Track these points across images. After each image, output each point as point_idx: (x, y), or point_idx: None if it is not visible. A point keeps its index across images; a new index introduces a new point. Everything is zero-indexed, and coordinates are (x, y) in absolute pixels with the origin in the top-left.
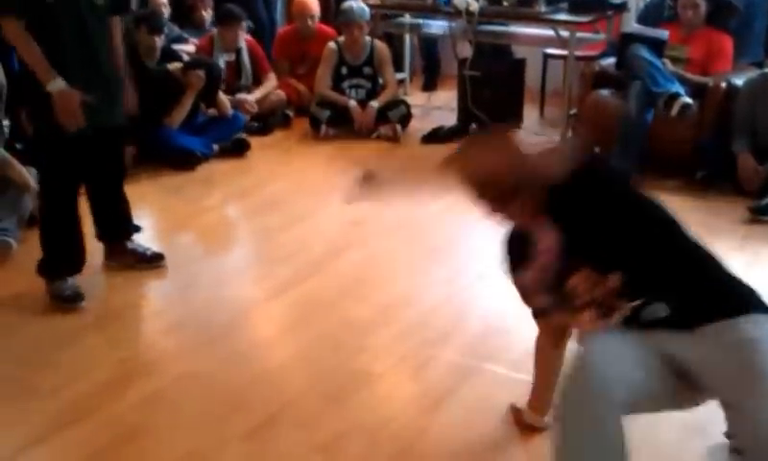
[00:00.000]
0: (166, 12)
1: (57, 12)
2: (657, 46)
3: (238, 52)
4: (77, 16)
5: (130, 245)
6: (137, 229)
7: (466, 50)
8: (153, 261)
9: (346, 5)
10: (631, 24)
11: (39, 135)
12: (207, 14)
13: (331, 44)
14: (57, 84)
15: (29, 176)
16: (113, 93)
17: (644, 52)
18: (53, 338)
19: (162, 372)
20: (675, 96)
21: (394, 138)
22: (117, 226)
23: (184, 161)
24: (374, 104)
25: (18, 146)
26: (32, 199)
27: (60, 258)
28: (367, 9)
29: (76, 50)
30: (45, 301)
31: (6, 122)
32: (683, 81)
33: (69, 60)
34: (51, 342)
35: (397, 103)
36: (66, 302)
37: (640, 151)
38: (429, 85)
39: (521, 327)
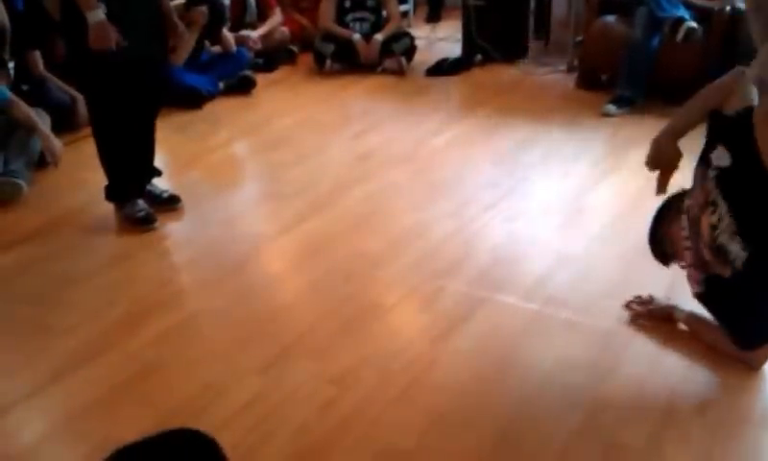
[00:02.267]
0: None
1: None
2: None
3: None
4: None
5: (148, 187)
6: (158, 172)
7: None
8: (169, 204)
9: None
10: None
11: (80, 62)
12: None
13: None
14: (96, 16)
15: (36, 117)
16: (154, 28)
17: None
18: (67, 277)
19: (177, 308)
20: (680, 21)
21: (398, 71)
22: (142, 166)
23: (190, 100)
24: (379, 37)
25: (25, 87)
26: (40, 140)
27: (126, 181)
28: None
29: None
30: (59, 240)
31: (11, 64)
32: (688, 5)
33: None
34: (65, 281)
35: (401, 35)
36: (141, 223)
37: (647, 76)
38: (433, 17)
39: (529, 257)
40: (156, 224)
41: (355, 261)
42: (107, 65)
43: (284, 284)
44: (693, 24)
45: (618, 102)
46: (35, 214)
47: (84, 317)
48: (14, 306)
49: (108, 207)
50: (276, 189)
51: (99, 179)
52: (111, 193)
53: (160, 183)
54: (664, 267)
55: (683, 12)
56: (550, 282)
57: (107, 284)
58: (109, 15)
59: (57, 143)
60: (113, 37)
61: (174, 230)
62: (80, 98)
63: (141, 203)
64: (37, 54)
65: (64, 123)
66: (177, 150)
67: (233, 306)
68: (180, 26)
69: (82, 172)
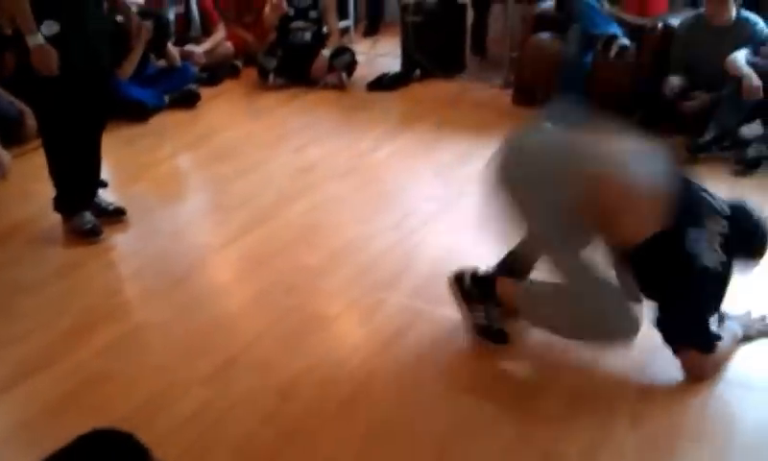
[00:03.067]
0: None
1: None
2: None
3: (187, 3)
4: None
5: (94, 199)
6: (104, 184)
7: None
8: (115, 215)
9: None
10: None
11: (29, 77)
12: None
13: None
14: (36, 39)
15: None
16: (103, 41)
17: None
18: (16, 287)
19: (124, 319)
20: (612, 38)
21: (340, 86)
22: (89, 178)
23: (136, 113)
24: (326, 52)
25: None
26: None
27: (74, 193)
28: None
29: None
30: (7, 250)
31: None
32: (620, 22)
33: (59, 7)
34: (14, 290)
35: (343, 50)
36: (87, 235)
37: (580, 92)
38: (371, 31)
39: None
40: (102, 236)
41: (298, 273)
42: (53, 80)
43: (229, 296)
44: (625, 41)
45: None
46: None
47: (33, 327)
48: None
49: (56, 219)
50: (220, 201)
51: (47, 190)
52: (59, 205)
53: (107, 196)
54: None
55: (615, 29)
56: None
57: (55, 295)
58: (61, 29)
59: (5, 155)
60: (54, 62)
61: (120, 241)
62: (28, 111)
63: (88, 215)
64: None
65: (13, 135)
66: (123, 162)
67: (179, 317)
68: (142, 24)
69: (30, 184)
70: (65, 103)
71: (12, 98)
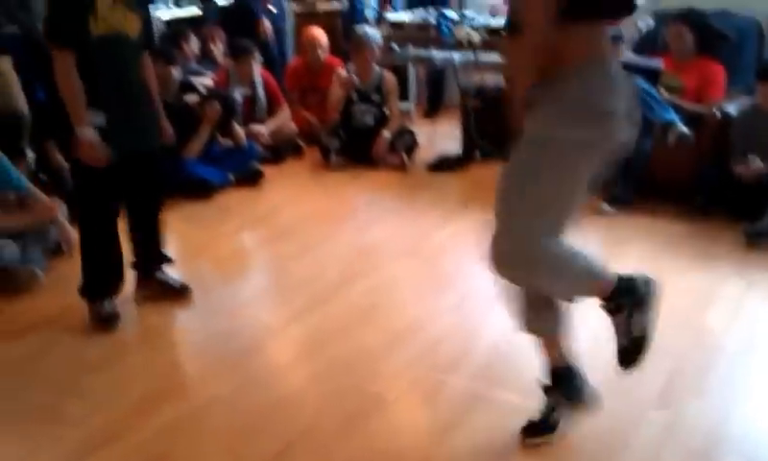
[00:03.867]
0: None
1: (98, 46)
2: (652, 75)
3: (253, 84)
4: (115, 51)
5: (160, 275)
6: (169, 259)
7: (468, 80)
8: (180, 293)
9: (358, 29)
10: (626, 54)
11: (73, 163)
12: (218, 49)
13: (341, 70)
14: (85, 132)
15: (55, 206)
16: (147, 121)
17: (640, 81)
18: (82, 364)
19: (185, 398)
20: (671, 124)
21: (401, 167)
22: (152, 254)
23: (201, 191)
24: (387, 134)
25: (43, 177)
26: (57, 229)
27: (99, 280)
28: (378, 34)
29: (113, 81)
30: (75, 326)
31: (30, 154)
32: (678, 109)
33: (106, 90)
34: (80, 367)
35: (404, 132)
36: (104, 322)
37: (640, 177)
38: (432, 113)
39: (529, 353)
40: (119, 325)
41: (358, 354)
42: (93, 168)
43: (288, 376)
44: (683, 128)
45: (612, 201)
46: (51, 301)
47: (97, 405)
48: (31, 393)
49: (122, 295)
50: (281, 280)
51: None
52: (85, 289)
53: (172, 272)
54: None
55: (673, 116)
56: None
57: (119, 373)
58: (108, 119)
59: (72, 232)
60: (102, 155)
61: (182, 319)
62: None
63: (108, 303)
64: (54, 144)
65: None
66: (187, 239)
67: (238, 398)
68: (169, 130)
69: None
70: (101, 189)
71: None
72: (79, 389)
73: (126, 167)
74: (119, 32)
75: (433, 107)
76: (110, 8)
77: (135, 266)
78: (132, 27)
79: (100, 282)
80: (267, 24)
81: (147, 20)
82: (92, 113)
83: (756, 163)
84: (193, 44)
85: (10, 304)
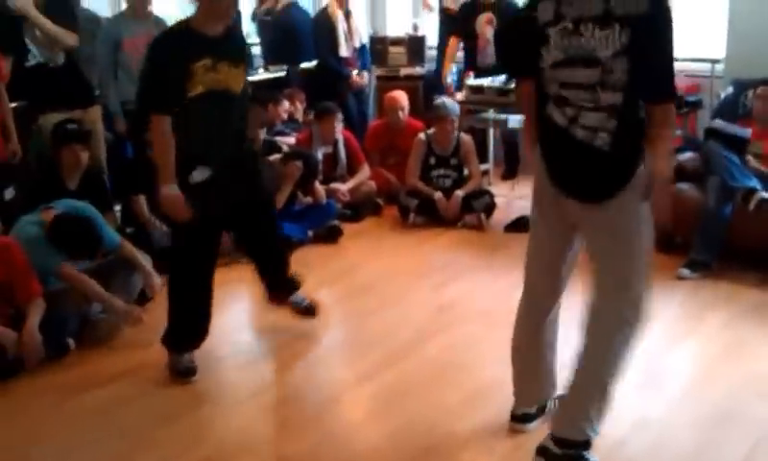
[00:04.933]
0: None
1: (199, 104)
2: (739, 143)
3: (335, 144)
4: (218, 107)
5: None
6: (297, 286)
7: None
8: (309, 311)
9: (439, 101)
10: (715, 120)
11: (167, 217)
12: (298, 109)
13: (421, 136)
14: (169, 190)
15: (140, 257)
16: (251, 172)
17: (721, 148)
18: (157, 416)
19: (258, 454)
20: (752, 191)
21: (478, 227)
22: (281, 288)
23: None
24: (460, 193)
25: (129, 230)
26: (142, 277)
27: (184, 334)
28: (457, 105)
29: (216, 136)
30: (154, 378)
31: (117, 207)
32: (759, 176)
33: (209, 145)
34: (155, 420)
35: (482, 193)
36: (181, 375)
37: (720, 243)
38: (509, 174)
39: (608, 419)
40: (196, 377)
41: (435, 413)
42: (186, 226)
43: (364, 433)
44: (765, 194)
45: (693, 266)
46: (132, 352)
47: (167, 457)
48: (107, 440)
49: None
50: (358, 336)
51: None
52: (167, 340)
53: (241, 323)
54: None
55: (754, 183)
56: (627, 448)
57: (193, 425)
58: (214, 172)
59: (157, 279)
60: (184, 210)
61: (260, 372)
62: None
63: (187, 356)
64: (142, 198)
65: (163, 266)
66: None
67: (313, 456)
68: (293, 165)
69: None
70: (197, 243)
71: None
72: (151, 441)
73: (237, 217)
74: (221, 90)
75: (511, 169)
76: (209, 70)
77: (267, 295)
78: (235, 82)
79: (184, 336)
80: (356, 78)
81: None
82: (200, 169)
83: None
84: (283, 107)
85: (92, 355)
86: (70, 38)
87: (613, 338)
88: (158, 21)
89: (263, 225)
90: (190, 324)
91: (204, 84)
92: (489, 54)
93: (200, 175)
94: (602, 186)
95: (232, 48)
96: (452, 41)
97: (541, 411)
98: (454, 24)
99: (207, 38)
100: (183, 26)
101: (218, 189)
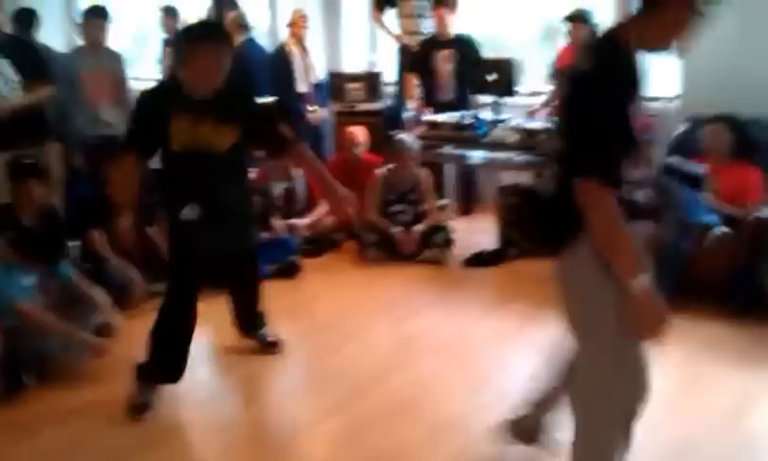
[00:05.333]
0: None
1: (179, 159)
2: (695, 179)
3: (292, 179)
4: (197, 164)
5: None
6: (264, 323)
7: (503, 179)
8: (271, 346)
9: (398, 137)
10: (670, 158)
11: (171, 257)
12: None
13: (379, 171)
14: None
15: (96, 293)
16: (232, 229)
17: (678, 185)
18: (115, 455)
19: None
20: (708, 227)
21: (437, 262)
22: (249, 321)
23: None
24: (418, 228)
25: (86, 266)
26: (99, 314)
27: (161, 369)
28: (417, 141)
29: (197, 190)
30: (109, 414)
31: (75, 243)
32: (717, 212)
33: (191, 196)
34: (111, 457)
35: (440, 228)
36: (135, 410)
37: (678, 278)
38: (466, 210)
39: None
40: (148, 414)
41: (396, 448)
42: (191, 261)
43: None
44: (721, 230)
45: None
46: (92, 387)
47: None
48: None
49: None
50: (319, 372)
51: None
52: (142, 372)
53: (198, 361)
54: None
55: (711, 219)
56: None
57: None
58: (204, 214)
59: (117, 317)
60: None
61: (216, 410)
62: (137, 280)
63: (151, 393)
64: (101, 234)
65: (121, 302)
66: (221, 331)
67: None
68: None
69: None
70: (194, 283)
71: (124, 265)
72: None
73: (224, 262)
74: (202, 147)
75: (467, 205)
76: (190, 128)
77: (237, 326)
78: (219, 141)
79: (164, 368)
80: (314, 114)
81: (262, 116)
82: (190, 207)
83: None
84: None
85: (49, 392)
86: (47, 92)
87: None
88: (113, 55)
89: (248, 272)
90: (171, 359)
91: (182, 142)
92: (447, 89)
93: (190, 213)
94: None
95: (220, 107)
96: (409, 77)
97: None
98: (412, 59)
99: (191, 99)
100: (172, 82)
101: (205, 233)
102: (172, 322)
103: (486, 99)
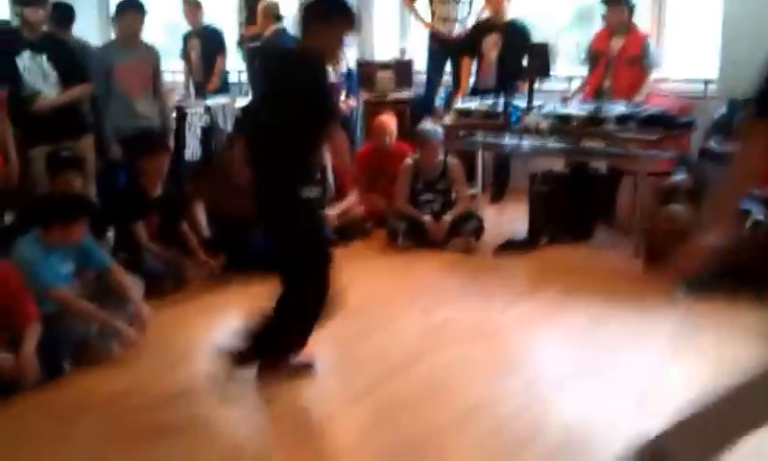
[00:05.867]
0: None
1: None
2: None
3: (323, 169)
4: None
5: None
6: None
7: (535, 165)
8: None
9: (421, 126)
10: (709, 140)
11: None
12: None
13: (408, 160)
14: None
15: (130, 285)
16: None
17: (715, 168)
18: (153, 431)
19: None
20: (747, 212)
21: (467, 250)
22: None
23: (270, 269)
24: (447, 217)
25: (122, 255)
26: (133, 307)
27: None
28: (440, 129)
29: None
30: (150, 394)
31: (110, 233)
32: (756, 198)
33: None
34: (150, 436)
35: (470, 216)
36: (301, 370)
37: (716, 264)
38: (498, 198)
39: (602, 439)
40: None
41: (424, 433)
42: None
43: (355, 455)
44: (760, 216)
45: (688, 286)
46: (125, 375)
47: None
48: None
49: (190, 369)
50: (346, 359)
51: (182, 341)
52: (281, 348)
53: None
54: None
55: (749, 205)
56: None
57: (188, 445)
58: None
59: (146, 311)
60: None
61: (245, 395)
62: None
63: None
64: (140, 225)
65: (156, 291)
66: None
67: None
68: None
69: (168, 334)
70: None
71: (161, 253)
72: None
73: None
74: None
75: (499, 191)
76: None
77: None
78: None
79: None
80: (343, 103)
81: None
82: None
83: None
84: None
85: (88, 379)
86: (87, 89)
87: None
88: (148, 48)
89: None
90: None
91: None
92: (491, 75)
93: (310, 192)
94: None
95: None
96: (465, 61)
97: None
98: (450, 47)
99: None
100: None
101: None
102: (309, 300)
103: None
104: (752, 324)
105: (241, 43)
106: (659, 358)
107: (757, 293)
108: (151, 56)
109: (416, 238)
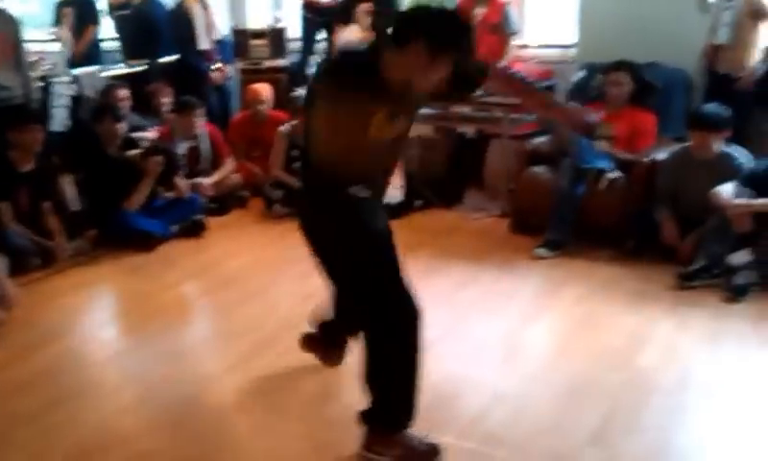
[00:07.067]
0: (128, 103)
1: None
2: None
3: (197, 138)
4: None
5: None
6: None
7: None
8: None
9: (295, 93)
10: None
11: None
12: (165, 102)
13: (283, 128)
14: None
15: None
16: None
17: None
18: (14, 416)
19: (121, 449)
20: (602, 171)
21: None
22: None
23: (143, 242)
24: None
25: None
26: None
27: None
28: None
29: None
30: (9, 378)
31: None
32: (611, 158)
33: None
34: (12, 420)
35: None
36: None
37: (574, 221)
38: None
39: (466, 395)
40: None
41: (301, 400)
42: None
43: (233, 424)
44: (614, 174)
45: (548, 245)
46: None
47: (29, 458)
48: None
49: (60, 347)
50: (224, 328)
51: (48, 318)
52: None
53: (104, 321)
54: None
55: (604, 163)
56: (486, 421)
57: (51, 425)
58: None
59: (12, 287)
60: None
61: (122, 367)
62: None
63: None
64: (4, 205)
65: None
66: (128, 290)
67: (179, 448)
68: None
69: (34, 313)
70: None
71: (25, 232)
72: (7, 442)
73: None
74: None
75: None
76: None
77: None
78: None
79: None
80: (217, 72)
81: None
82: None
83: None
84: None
85: None
86: None
87: None
88: (7, 17)
89: None
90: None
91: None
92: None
93: (360, 191)
94: None
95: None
96: (339, 29)
97: None
98: (324, 15)
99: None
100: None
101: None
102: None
103: None
104: (610, 280)
105: (111, 10)
106: (520, 316)
107: (634, 247)
108: (9, 25)
109: (292, 206)
